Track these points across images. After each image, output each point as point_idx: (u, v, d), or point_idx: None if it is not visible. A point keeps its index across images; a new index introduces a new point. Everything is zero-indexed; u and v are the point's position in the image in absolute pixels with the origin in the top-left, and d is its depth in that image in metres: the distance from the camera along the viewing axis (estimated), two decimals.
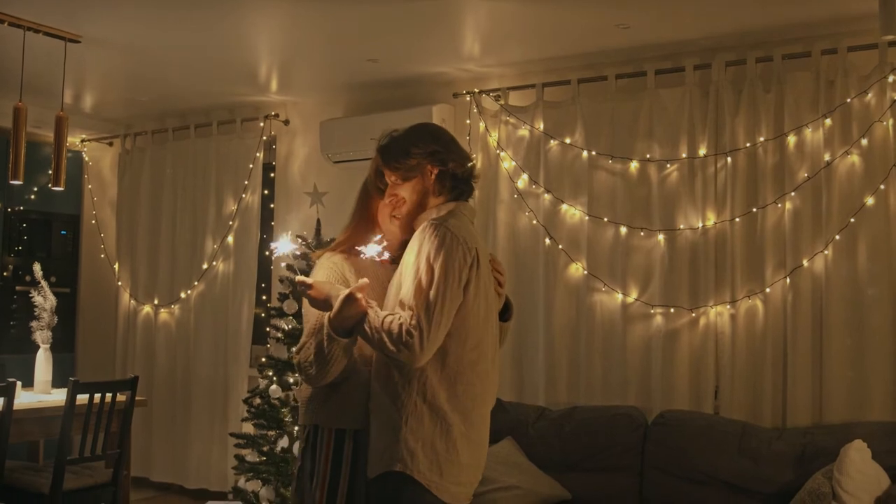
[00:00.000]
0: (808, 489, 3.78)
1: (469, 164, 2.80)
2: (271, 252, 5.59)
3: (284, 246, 2.80)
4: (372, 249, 2.66)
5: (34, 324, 5.42)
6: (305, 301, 2.81)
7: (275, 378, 5.43)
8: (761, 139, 4.77)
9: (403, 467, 2.54)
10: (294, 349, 2.78)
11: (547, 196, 5.34)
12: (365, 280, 2.58)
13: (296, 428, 5.30)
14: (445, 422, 2.58)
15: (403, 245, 2.78)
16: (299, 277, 2.69)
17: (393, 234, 2.85)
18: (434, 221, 2.63)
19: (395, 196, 2.78)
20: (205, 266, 6.80)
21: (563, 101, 5.36)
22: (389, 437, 2.57)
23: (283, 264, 5.44)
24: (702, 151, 4.92)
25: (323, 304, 2.63)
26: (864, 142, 4.54)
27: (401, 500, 2.56)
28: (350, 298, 2.55)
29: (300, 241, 5.35)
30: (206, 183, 6.85)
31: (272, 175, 6.73)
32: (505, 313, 2.92)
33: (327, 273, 2.81)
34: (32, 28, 4.88)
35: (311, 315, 2.77)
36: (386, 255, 2.72)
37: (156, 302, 7.08)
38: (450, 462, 2.59)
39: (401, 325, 2.49)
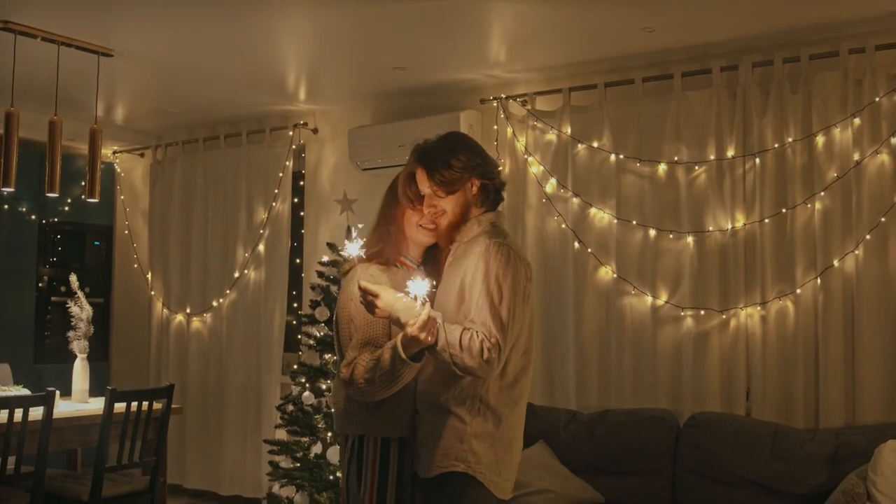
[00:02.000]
0: (842, 489, 3.77)
1: (501, 175, 2.93)
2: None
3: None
4: (419, 288, 2.61)
5: (71, 334, 5.50)
6: (346, 312, 2.86)
7: (307, 385, 5.48)
8: (790, 140, 4.76)
9: (467, 467, 2.68)
10: (343, 363, 2.81)
11: (575, 200, 5.35)
12: (425, 315, 2.58)
13: (329, 434, 5.35)
14: (504, 424, 2.73)
15: (429, 251, 2.92)
16: (364, 284, 2.70)
17: (419, 242, 2.95)
18: (497, 241, 2.73)
19: (434, 207, 2.85)
20: (236, 274, 6.87)
21: (590, 105, 5.38)
22: (452, 439, 2.69)
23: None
24: (730, 153, 4.92)
25: (386, 317, 2.71)
26: (894, 141, 4.52)
27: (463, 499, 2.68)
28: (412, 339, 2.61)
29: (330, 248, 5.39)
30: (237, 192, 6.92)
31: (302, 183, 6.79)
32: None
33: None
34: (66, 43, 4.96)
35: (356, 328, 2.83)
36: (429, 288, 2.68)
37: (188, 310, 7.16)
38: (506, 462, 2.76)
39: (481, 342, 2.58)
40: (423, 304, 2.59)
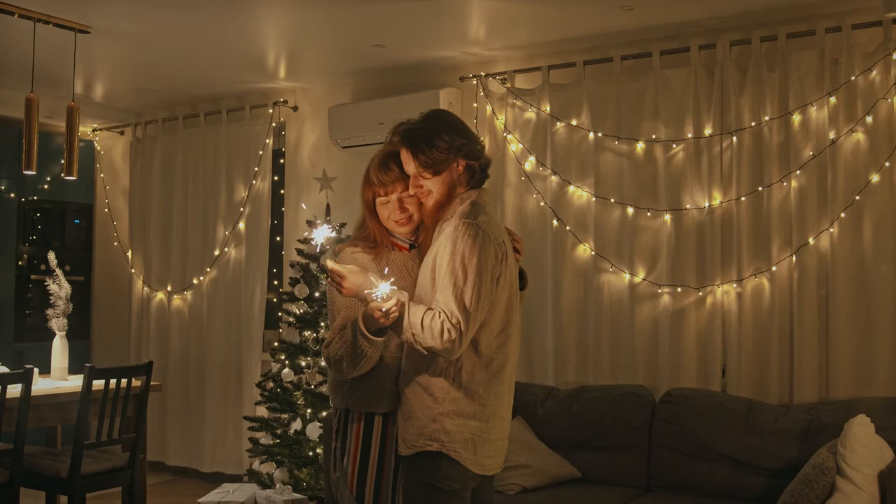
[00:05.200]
0: (812, 464, 3.82)
1: (485, 151, 2.94)
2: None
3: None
4: (384, 289, 2.67)
5: (50, 312, 5.48)
6: (331, 294, 2.91)
7: (287, 362, 5.50)
8: (766, 118, 4.78)
9: (441, 446, 2.71)
10: (323, 344, 2.90)
11: (554, 178, 5.37)
12: (385, 291, 2.63)
13: (308, 411, 5.38)
14: (480, 402, 2.75)
15: (420, 229, 2.93)
16: (332, 266, 2.76)
17: (399, 234, 2.96)
18: (467, 220, 2.73)
19: (420, 188, 2.86)
20: (217, 252, 6.86)
21: (569, 83, 5.39)
22: (426, 419, 2.73)
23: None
24: (707, 131, 4.95)
25: (354, 296, 2.77)
26: (869, 119, 4.55)
27: (437, 476, 2.73)
28: (369, 316, 2.68)
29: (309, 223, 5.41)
30: (217, 170, 6.91)
31: (282, 161, 6.78)
32: (520, 282, 3.04)
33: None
34: (42, 19, 4.92)
35: (338, 310, 2.88)
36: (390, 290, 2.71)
37: (169, 288, 7.15)
38: (482, 440, 2.76)
39: (442, 323, 2.62)
40: (391, 282, 2.64)
